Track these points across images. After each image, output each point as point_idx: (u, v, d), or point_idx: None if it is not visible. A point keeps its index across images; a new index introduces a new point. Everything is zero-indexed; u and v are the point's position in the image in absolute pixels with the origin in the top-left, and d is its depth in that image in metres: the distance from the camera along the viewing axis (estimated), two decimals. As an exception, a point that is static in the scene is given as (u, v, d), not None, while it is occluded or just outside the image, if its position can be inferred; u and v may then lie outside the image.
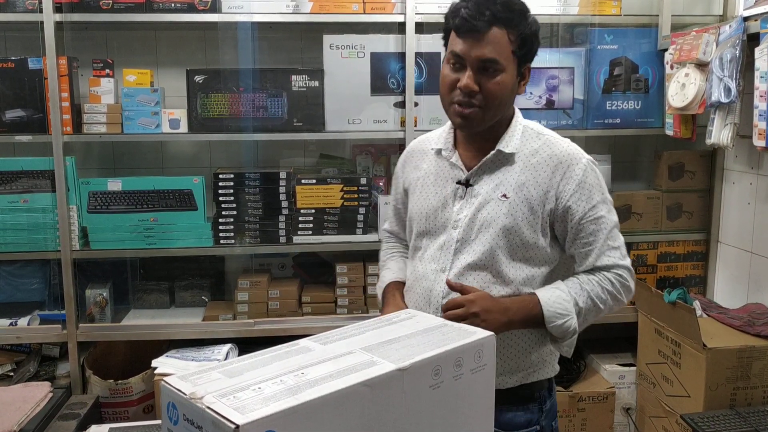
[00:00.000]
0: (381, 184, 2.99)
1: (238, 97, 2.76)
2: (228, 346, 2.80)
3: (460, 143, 1.64)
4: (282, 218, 2.85)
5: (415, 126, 2.79)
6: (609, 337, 3.20)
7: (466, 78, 1.47)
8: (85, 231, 2.78)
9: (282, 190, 2.85)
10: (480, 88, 1.48)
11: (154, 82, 2.86)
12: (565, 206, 1.53)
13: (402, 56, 2.75)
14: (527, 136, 1.58)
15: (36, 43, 2.66)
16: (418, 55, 2.76)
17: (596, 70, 2.90)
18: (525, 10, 1.50)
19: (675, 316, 2.50)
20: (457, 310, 1.47)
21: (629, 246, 2.96)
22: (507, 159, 1.56)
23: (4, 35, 2.95)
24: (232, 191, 2.82)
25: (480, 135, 1.58)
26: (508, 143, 1.56)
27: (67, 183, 2.71)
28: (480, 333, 1.06)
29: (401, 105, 2.79)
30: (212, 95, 2.75)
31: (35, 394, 2.51)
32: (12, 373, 2.81)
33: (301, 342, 1.02)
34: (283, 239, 2.86)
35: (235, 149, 3.06)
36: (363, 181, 2.85)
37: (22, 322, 2.79)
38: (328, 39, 2.76)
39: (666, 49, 2.81)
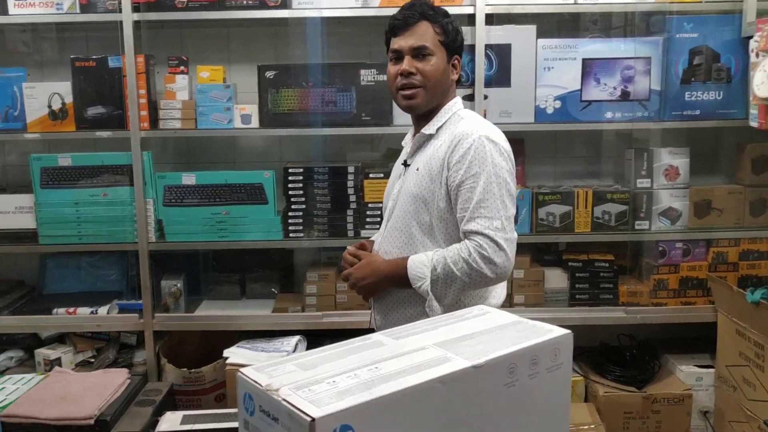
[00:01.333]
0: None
1: (308, 92, 2.79)
2: (297, 338, 2.84)
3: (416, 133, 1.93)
4: (350, 212, 2.87)
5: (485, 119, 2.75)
6: (685, 336, 3.09)
7: (404, 64, 1.79)
8: (161, 224, 2.87)
9: (350, 184, 2.86)
10: (417, 70, 1.78)
11: (226, 78, 2.91)
12: (449, 174, 1.74)
13: (471, 48, 2.71)
14: (452, 120, 1.83)
15: (115, 42, 2.75)
16: (488, 47, 2.72)
17: (674, 60, 2.78)
18: (445, 12, 1.84)
19: (758, 316, 2.38)
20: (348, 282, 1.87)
21: (708, 243, 2.88)
22: (429, 139, 1.84)
23: (86, 35, 3.07)
24: (301, 185, 2.85)
25: (422, 122, 1.86)
26: (430, 126, 1.84)
27: (144, 177, 2.79)
28: (557, 331, 1.03)
29: (470, 98, 2.75)
30: (283, 90, 2.79)
31: (114, 380, 2.61)
32: (93, 360, 2.93)
33: (374, 336, 1.02)
34: (351, 233, 2.87)
35: (304, 143, 3.09)
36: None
37: (102, 310, 2.90)
38: (397, 33, 2.74)
39: (751, 37, 2.67)
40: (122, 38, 2.71)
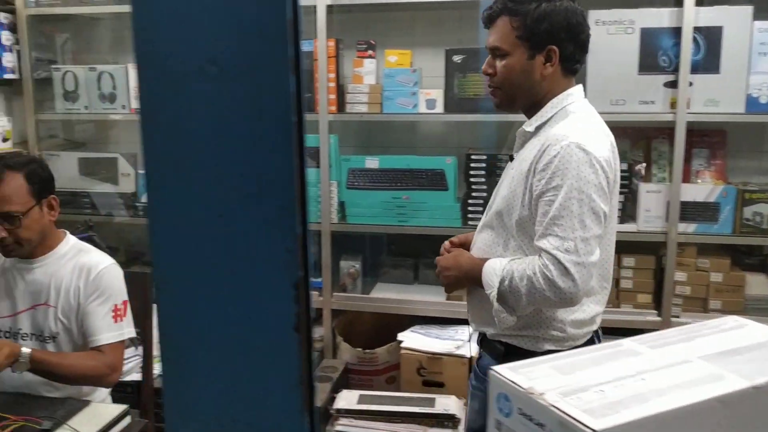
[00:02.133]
0: (639, 169, 2.78)
1: (495, 76, 2.71)
2: (470, 327, 2.79)
3: None
4: (531, 202, 2.77)
5: (688, 108, 2.54)
6: None
7: (485, 63, 1.70)
8: (343, 205, 2.93)
9: (533, 173, 2.76)
10: (494, 71, 1.67)
11: (412, 63, 2.90)
12: (534, 181, 1.59)
13: (677, 31, 2.52)
14: (557, 117, 1.65)
15: (306, 27, 2.82)
16: (696, 29, 2.51)
17: None
18: None
19: None
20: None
21: None
22: (529, 137, 1.68)
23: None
24: (483, 172, 2.80)
25: (529, 115, 1.71)
26: (531, 123, 1.68)
27: (330, 159, 2.86)
28: (839, 353, 0.91)
29: (672, 85, 2.56)
30: (469, 75, 2.74)
31: (295, 354, 2.70)
32: (273, 332, 3.06)
33: (625, 343, 0.94)
34: (531, 223, 2.78)
35: (484, 129, 3.02)
36: (623, 166, 2.66)
37: (284, 286, 3.01)
38: (594, 14, 2.60)
39: None
40: (315, 22, 2.77)
